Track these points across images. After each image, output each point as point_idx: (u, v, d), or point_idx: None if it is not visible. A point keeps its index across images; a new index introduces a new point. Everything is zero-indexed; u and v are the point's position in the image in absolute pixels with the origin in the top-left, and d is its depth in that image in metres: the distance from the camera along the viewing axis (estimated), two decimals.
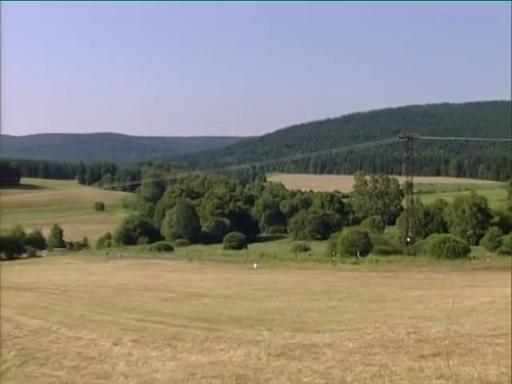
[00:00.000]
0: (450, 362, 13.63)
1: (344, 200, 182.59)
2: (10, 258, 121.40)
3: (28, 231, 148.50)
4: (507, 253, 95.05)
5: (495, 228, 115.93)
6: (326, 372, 14.26)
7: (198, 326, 25.32)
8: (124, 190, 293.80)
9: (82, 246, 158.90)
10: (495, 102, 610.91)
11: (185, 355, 17.55)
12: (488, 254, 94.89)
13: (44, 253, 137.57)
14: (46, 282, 64.97)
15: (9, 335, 23.29)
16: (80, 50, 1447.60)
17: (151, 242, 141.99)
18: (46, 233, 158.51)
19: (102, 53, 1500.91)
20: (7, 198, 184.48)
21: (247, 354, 17.26)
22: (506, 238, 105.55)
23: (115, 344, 20.54)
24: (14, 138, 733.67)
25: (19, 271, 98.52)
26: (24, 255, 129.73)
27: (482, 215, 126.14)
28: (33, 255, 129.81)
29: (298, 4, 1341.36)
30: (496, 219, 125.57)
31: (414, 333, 19.81)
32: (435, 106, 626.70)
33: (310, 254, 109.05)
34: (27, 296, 44.52)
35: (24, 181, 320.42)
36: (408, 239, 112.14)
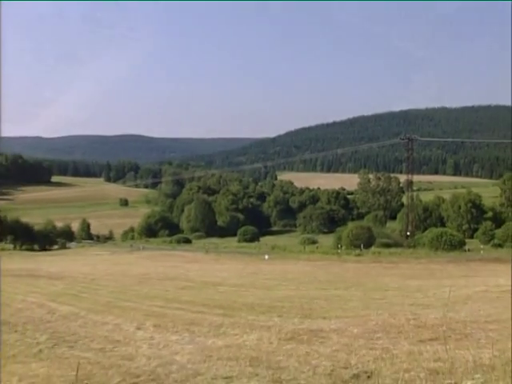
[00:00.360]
0: (447, 347, 13.62)
1: (349, 197, 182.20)
2: (43, 249, 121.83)
3: (58, 225, 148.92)
4: (499, 245, 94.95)
5: (488, 223, 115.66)
6: (332, 355, 14.27)
7: (214, 312, 25.39)
8: (146, 187, 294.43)
9: (108, 238, 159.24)
10: (489, 106, 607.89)
11: (202, 339, 17.60)
12: (482, 246, 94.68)
13: (73, 245, 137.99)
14: (75, 271, 65.29)
15: (41, 320, 23.41)
16: (105, 57, 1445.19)
17: (171, 235, 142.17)
18: (75, 226, 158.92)
19: (127, 61, 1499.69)
20: (40, 194, 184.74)
21: (260, 338, 17.29)
22: (498, 232, 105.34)
23: (138, 328, 20.63)
24: (46, 139, 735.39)
25: (51, 261, 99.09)
26: (55, 247, 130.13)
27: (476, 211, 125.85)
28: (63, 247, 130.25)
29: (301, 10, 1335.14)
30: (489, 214, 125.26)
31: (414, 319, 19.78)
32: (434, 109, 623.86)
33: (317, 247, 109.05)
34: (58, 284, 44.81)
35: (55, 179, 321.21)
36: (408, 233, 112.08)
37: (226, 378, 13.63)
